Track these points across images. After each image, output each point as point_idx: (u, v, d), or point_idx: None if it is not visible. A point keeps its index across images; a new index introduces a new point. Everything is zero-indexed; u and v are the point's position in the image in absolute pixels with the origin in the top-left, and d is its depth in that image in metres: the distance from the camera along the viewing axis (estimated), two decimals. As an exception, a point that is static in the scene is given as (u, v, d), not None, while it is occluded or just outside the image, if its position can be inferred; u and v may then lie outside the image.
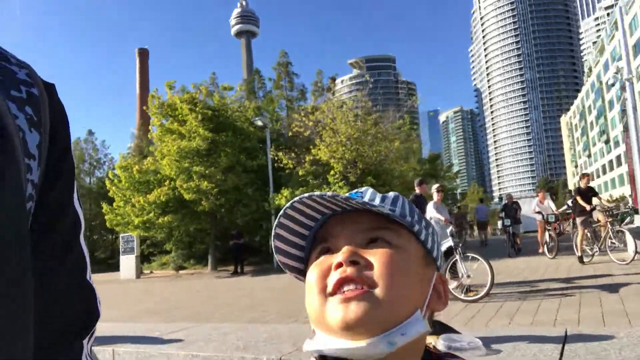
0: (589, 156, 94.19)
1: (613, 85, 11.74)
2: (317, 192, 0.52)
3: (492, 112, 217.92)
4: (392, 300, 0.49)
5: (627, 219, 16.76)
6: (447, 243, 6.48)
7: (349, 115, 16.84)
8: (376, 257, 0.50)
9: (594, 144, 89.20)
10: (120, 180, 19.37)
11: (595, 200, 9.97)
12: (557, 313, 4.97)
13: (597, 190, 10.49)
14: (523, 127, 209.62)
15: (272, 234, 0.55)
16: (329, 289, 0.50)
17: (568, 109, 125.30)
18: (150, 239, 26.43)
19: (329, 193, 0.51)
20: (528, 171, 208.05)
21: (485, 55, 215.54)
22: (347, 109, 17.31)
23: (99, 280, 21.23)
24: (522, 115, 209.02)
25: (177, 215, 18.75)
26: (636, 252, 8.25)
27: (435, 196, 7.07)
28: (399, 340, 0.47)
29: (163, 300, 10.61)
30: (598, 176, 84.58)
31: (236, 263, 17.79)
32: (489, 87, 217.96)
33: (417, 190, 7.83)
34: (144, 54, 70.56)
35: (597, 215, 9.56)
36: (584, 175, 10.43)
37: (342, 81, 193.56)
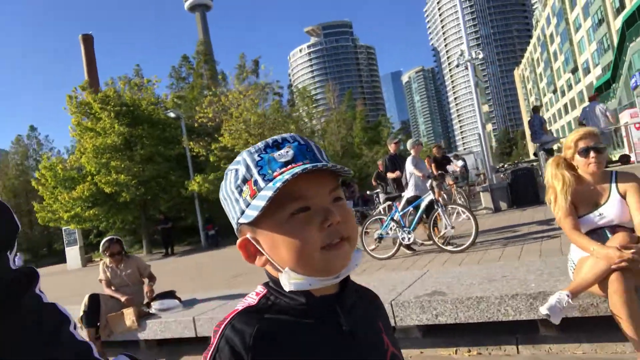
0: (542, 106, 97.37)
1: (457, 66, 13.24)
2: (309, 165, 0.63)
3: (450, 69, 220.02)
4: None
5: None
6: (428, 197, 6.35)
7: (246, 103, 17.89)
8: (345, 214, 0.67)
9: (544, 95, 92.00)
10: (47, 179, 20.20)
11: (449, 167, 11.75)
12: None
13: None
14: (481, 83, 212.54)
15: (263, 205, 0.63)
16: (324, 243, 0.65)
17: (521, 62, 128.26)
18: (95, 228, 27.44)
19: (326, 165, 0.64)
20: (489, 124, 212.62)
21: (440, 15, 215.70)
22: (249, 97, 18.31)
23: (44, 273, 22.00)
24: (479, 70, 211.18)
25: (104, 208, 19.84)
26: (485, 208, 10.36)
27: (413, 152, 6.94)
28: (356, 267, 0.71)
29: (80, 286, 11.44)
30: (551, 124, 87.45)
31: (166, 245, 19.41)
32: (445, 45, 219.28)
33: (392, 150, 7.98)
34: (88, 40, 66.96)
35: (447, 179, 11.32)
36: (437, 147, 12.22)
37: (300, 50, 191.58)
